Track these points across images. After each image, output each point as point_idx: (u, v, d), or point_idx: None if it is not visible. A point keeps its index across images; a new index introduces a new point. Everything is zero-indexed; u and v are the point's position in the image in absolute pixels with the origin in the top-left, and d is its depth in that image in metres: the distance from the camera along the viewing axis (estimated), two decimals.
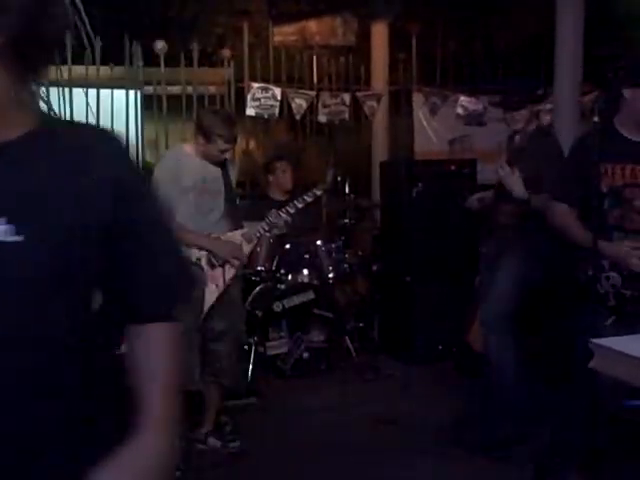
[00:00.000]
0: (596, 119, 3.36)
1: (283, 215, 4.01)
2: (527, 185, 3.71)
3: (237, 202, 4.04)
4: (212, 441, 4.10)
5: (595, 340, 2.27)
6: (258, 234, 4.02)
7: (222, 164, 3.92)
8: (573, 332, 3.43)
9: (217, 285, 3.87)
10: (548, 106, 6.60)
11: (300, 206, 4.03)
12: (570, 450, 3.45)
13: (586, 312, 3.32)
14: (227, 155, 3.88)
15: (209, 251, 3.84)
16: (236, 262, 3.90)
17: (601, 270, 3.17)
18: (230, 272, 3.90)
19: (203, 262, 3.84)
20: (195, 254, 3.83)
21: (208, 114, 3.91)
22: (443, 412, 4.38)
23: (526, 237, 3.90)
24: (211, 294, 3.86)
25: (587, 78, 5.67)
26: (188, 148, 3.93)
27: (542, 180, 3.70)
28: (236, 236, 3.94)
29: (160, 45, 5.84)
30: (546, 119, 6.77)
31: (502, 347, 3.87)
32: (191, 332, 3.83)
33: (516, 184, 3.71)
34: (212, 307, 3.86)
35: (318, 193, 4.06)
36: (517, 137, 3.96)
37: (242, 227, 3.98)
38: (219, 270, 3.86)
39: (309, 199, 4.05)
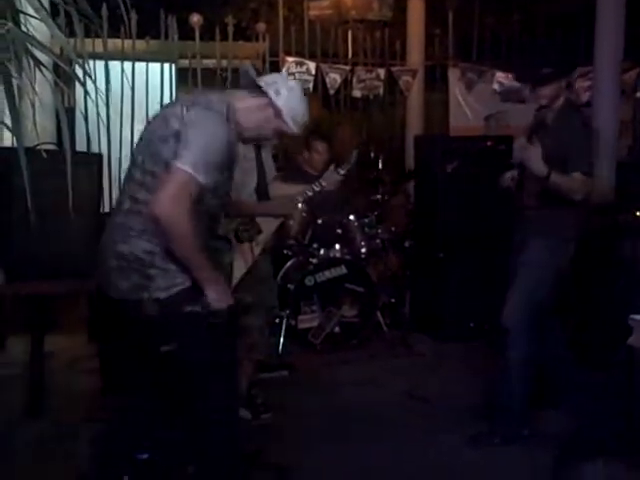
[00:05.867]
0: (639, 95, 3.28)
1: (309, 193, 4.01)
2: (550, 163, 3.53)
3: (268, 185, 4.02)
4: (243, 413, 4.14)
5: (636, 316, 2.23)
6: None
7: (257, 145, 3.90)
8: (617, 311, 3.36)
9: (246, 261, 3.87)
10: (587, 83, 6.52)
11: (324, 184, 4.02)
12: (601, 434, 3.42)
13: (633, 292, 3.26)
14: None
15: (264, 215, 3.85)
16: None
17: None
18: (258, 247, 3.91)
19: (232, 236, 3.84)
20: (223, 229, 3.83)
21: None
22: (473, 390, 4.37)
23: (549, 219, 3.70)
24: (239, 269, 3.86)
25: (627, 55, 5.56)
26: None
27: (569, 157, 3.58)
28: (293, 189, 3.97)
29: (195, 18, 5.84)
30: (585, 95, 6.69)
31: (517, 346, 3.72)
32: None
33: (534, 159, 3.54)
34: (241, 281, 3.87)
35: (342, 172, 4.03)
36: (544, 113, 3.80)
37: None
38: (247, 245, 3.87)
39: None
